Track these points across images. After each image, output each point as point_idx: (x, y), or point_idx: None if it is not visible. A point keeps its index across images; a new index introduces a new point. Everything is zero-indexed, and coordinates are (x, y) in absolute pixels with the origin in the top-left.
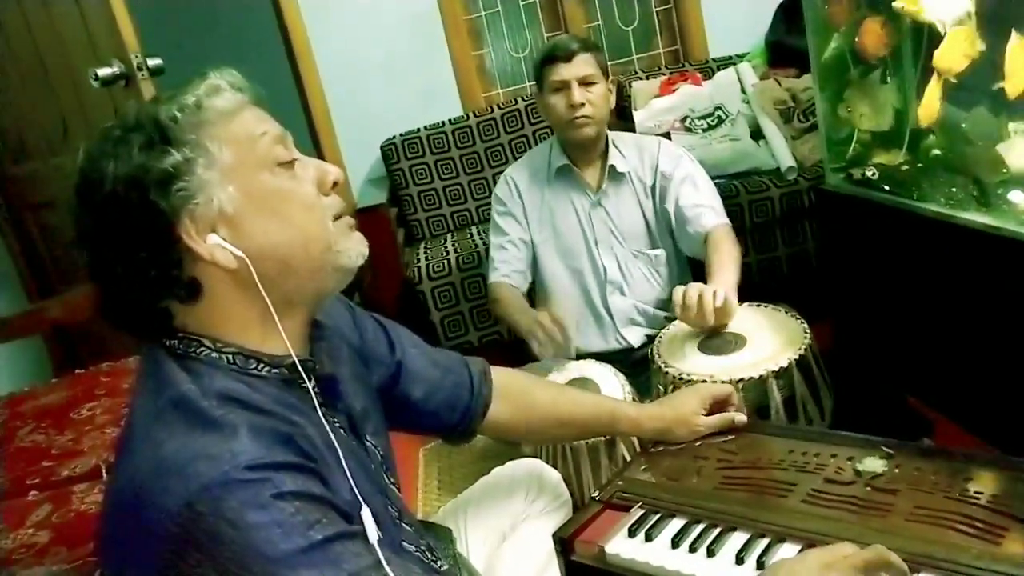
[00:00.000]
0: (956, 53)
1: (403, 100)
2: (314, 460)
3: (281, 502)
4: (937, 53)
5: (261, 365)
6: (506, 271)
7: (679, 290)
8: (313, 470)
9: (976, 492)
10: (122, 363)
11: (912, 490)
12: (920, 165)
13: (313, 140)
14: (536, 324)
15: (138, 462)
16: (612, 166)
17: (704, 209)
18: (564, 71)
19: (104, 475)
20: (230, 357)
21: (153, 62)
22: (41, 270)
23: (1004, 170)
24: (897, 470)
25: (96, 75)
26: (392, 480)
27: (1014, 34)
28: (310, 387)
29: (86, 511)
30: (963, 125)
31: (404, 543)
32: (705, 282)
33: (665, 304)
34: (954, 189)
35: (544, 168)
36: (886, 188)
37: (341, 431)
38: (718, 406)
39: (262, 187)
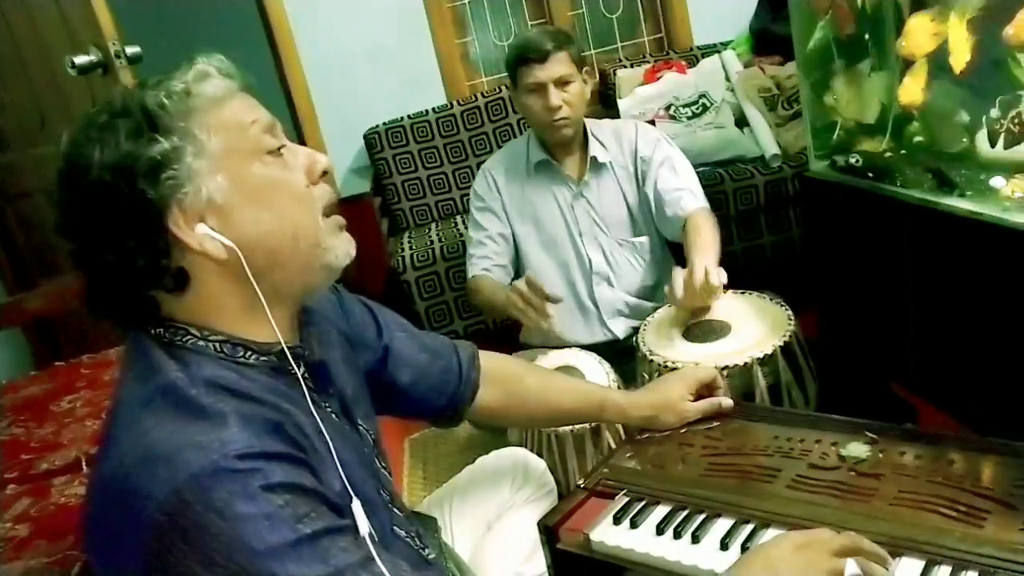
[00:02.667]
0: (920, 37)
1: (387, 88)
2: (304, 449)
3: (270, 494)
4: (900, 40)
5: (249, 353)
6: (486, 265)
7: (679, 272)
8: (303, 460)
9: (959, 476)
10: (103, 355)
11: (896, 475)
12: (903, 152)
13: (296, 129)
14: (514, 292)
15: (125, 450)
16: (593, 157)
17: (683, 192)
18: (539, 73)
19: (84, 468)
20: (217, 345)
21: (131, 50)
22: (20, 262)
23: (964, 140)
24: (881, 455)
25: (73, 63)
26: (383, 464)
27: (953, 13)
28: (299, 375)
29: (66, 504)
30: (931, 101)
31: (395, 528)
32: (685, 266)
33: (651, 293)
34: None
35: (523, 161)
36: (870, 175)
37: (333, 416)
38: (704, 391)
39: (252, 176)
